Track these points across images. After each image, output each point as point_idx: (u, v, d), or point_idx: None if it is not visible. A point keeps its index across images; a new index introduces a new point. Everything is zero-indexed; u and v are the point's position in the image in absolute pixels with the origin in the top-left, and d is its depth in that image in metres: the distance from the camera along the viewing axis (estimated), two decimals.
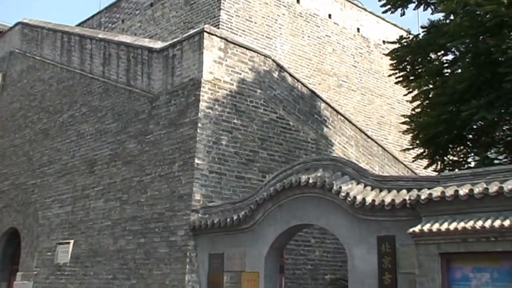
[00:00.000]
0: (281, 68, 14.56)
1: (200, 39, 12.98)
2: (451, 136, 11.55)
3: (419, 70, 12.56)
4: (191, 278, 11.47)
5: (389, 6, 12.96)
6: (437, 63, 12.25)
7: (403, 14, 13.12)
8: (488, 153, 12.08)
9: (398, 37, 13.04)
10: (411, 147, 12.96)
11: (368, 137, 16.90)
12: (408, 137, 13.40)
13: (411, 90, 12.81)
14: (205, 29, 13.05)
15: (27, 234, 17.19)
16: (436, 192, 7.94)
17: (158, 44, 14.75)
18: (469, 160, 12.41)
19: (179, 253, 11.78)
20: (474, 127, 11.55)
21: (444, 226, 7.62)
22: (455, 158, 12.41)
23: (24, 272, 16.57)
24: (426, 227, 7.78)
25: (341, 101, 19.01)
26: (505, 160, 11.71)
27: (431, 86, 12.13)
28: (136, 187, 13.54)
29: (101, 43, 16.58)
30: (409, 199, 8.31)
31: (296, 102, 14.64)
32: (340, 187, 9.32)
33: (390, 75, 13.83)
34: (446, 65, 12.18)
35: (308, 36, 18.96)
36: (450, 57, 12.20)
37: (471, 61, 10.82)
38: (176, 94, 13.30)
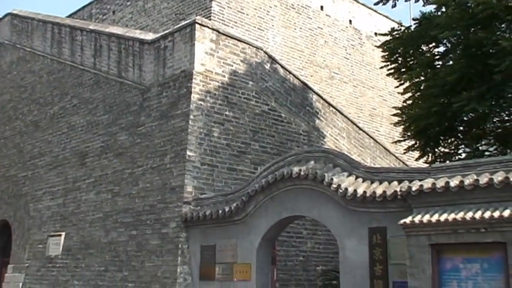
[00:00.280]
0: (273, 60, 14.54)
1: (192, 31, 12.92)
2: (442, 128, 11.60)
3: (411, 62, 12.59)
4: (183, 269, 11.49)
5: None
6: (428, 55, 12.28)
7: (394, 5, 13.14)
8: (479, 145, 12.14)
9: (390, 29, 13.05)
10: (402, 139, 13.01)
11: (360, 129, 16.93)
12: (400, 129, 13.44)
13: (402, 82, 12.85)
14: (196, 21, 12.99)
15: (18, 226, 17.13)
16: (427, 183, 7.99)
17: (150, 36, 14.67)
18: (460, 151, 12.47)
19: (171, 245, 11.79)
20: (465, 119, 11.61)
21: (435, 217, 7.67)
22: (446, 150, 12.47)
23: (15, 264, 16.52)
24: (417, 219, 7.82)
25: (333, 93, 19.02)
26: (496, 152, 11.79)
27: (422, 78, 12.16)
28: (127, 179, 13.50)
29: (92, 35, 16.47)
30: (400, 190, 8.35)
31: (288, 94, 14.64)
32: (332, 179, 9.35)
33: (381, 67, 13.84)
34: (437, 57, 12.21)
35: (300, 28, 18.92)
36: (441, 49, 12.24)
37: (462, 53, 10.85)
38: (167, 86, 13.25)
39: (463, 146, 12.46)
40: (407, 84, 12.66)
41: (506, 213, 7.08)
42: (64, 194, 15.57)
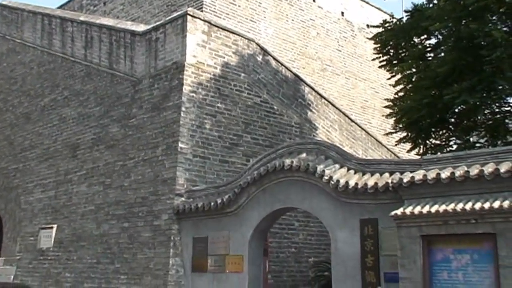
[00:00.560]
0: (265, 51, 14.51)
1: (184, 22, 12.86)
2: (433, 120, 11.65)
3: (403, 54, 12.62)
4: (175, 261, 11.50)
5: None
6: (420, 47, 12.31)
7: None
8: (470, 136, 12.20)
9: (382, 21, 13.05)
10: (394, 131, 13.05)
11: (352, 121, 16.97)
12: (391, 121, 13.48)
13: (394, 74, 12.87)
14: (188, 12, 12.93)
15: (9, 219, 17.05)
16: (418, 175, 8.03)
17: (141, 27, 14.58)
18: (451, 143, 12.53)
19: (163, 237, 11.79)
20: (456, 111, 11.66)
21: (426, 208, 7.71)
22: (437, 142, 12.53)
23: (6, 257, 16.46)
24: (408, 210, 7.87)
25: (325, 85, 19.02)
26: (486, 143, 11.85)
27: (414, 70, 12.20)
28: (119, 171, 13.47)
29: (82, 26, 16.35)
30: (392, 182, 8.38)
31: (280, 86, 14.63)
32: (323, 171, 9.37)
33: (373, 59, 13.85)
34: (429, 49, 12.24)
35: (292, 20, 18.87)
36: (433, 41, 12.27)
37: (453, 45, 10.88)
38: (159, 77, 13.20)
39: (454, 138, 12.52)
40: (399, 76, 12.69)
41: (497, 204, 7.13)
42: (55, 186, 15.51)
